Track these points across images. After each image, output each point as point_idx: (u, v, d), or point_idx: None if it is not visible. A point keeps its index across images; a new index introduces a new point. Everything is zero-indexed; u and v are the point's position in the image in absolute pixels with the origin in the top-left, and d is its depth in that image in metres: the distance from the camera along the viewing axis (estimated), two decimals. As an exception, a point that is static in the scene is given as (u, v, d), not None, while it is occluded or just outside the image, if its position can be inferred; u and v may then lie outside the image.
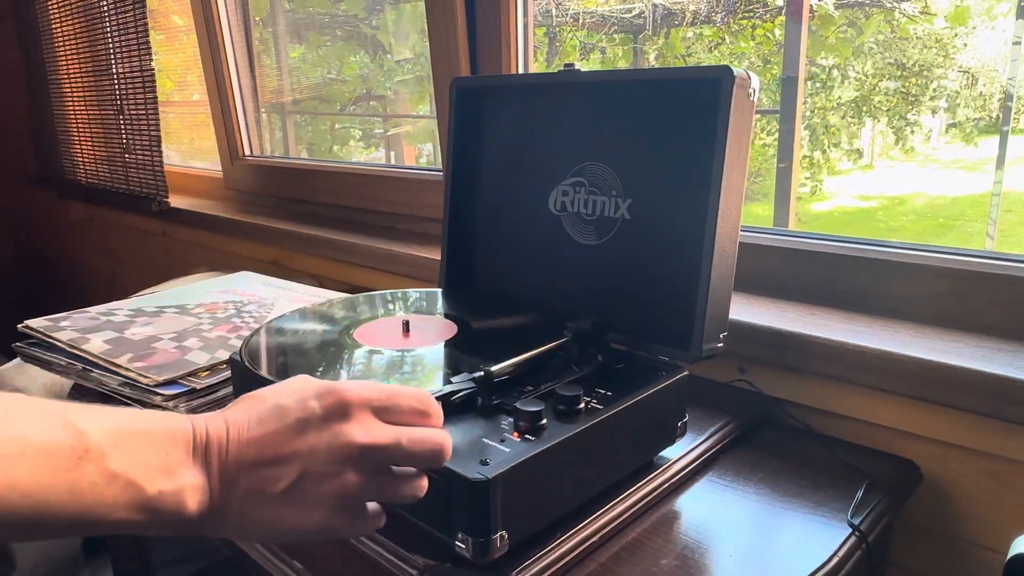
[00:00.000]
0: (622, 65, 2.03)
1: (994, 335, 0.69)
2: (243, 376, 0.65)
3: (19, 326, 0.86)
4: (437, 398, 0.52)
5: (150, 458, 0.38)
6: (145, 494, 0.37)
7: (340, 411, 0.40)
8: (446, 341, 0.67)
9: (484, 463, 0.47)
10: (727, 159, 0.60)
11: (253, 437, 0.40)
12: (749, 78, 0.60)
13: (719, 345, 0.64)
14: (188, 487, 0.38)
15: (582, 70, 0.72)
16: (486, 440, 0.50)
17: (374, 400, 0.42)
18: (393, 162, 2.10)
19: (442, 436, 0.43)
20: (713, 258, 0.61)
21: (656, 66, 1.92)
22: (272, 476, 0.40)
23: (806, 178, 2.61)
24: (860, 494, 0.61)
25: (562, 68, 0.72)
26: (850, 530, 0.57)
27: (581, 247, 0.72)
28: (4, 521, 0.33)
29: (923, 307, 0.74)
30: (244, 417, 0.41)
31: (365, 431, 0.40)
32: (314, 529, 0.41)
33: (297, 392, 0.42)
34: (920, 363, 0.65)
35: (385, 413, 0.42)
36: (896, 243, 0.78)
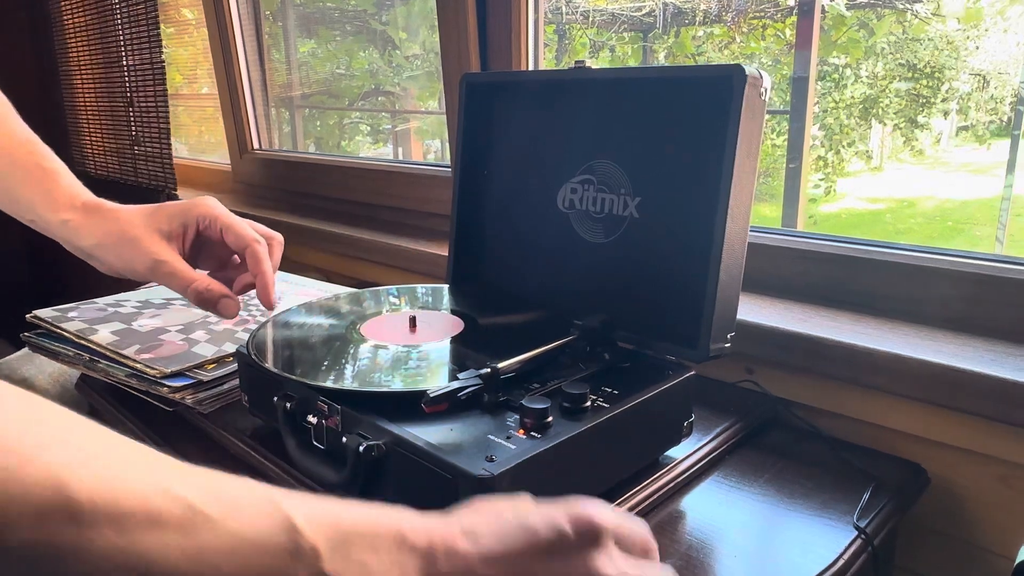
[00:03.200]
0: (631, 64, 2.03)
1: (1005, 339, 0.68)
2: (249, 369, 0.65)
3: (27, 316, 0.87)
4: (443, 395, 0.53)
5: (372, 563, 0.33)
6: None
7: (593, 538, 0.38)
8: (452, 337, 0.67)
9: (489, 460, 0.47)
10: (737, 158, 0.59)
11: (496, 554, 0.36)
12: (761, 77, 0.60)
13: (727, 345, 0.63)
14: None
15: (593, 67, 0.71)
16: (492, 437, 0.50)
17: (618, 530, 0.39)
18: (401, 158, 2.09)
19: None
20: (722, 258, 0.60)
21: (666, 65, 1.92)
22: None
23: (819, 179, 2.60)
24: (866, 497, 0.61)
25: (573, 65, 0.72)
26: (856, 532, 0.56)
27: (589, 245, 0.72)
28: None
29: (933, 310, 0.74)
30: (484, 530, 0.37)
31: (613, 564, 0.38)
32: None
33: (545, 515, 0.38)
34: (929, 366, 0.64)
35: (622, 542, 0.40)
36: (907, 245, 0.77)
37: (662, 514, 0.59)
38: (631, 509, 0.57)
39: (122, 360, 0.76)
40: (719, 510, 0.60)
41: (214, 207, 0.61)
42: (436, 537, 0.35)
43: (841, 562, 0.53)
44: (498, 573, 0.35)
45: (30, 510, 0.26)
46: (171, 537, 0.29)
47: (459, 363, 0.63)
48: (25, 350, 1.20)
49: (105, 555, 0.27)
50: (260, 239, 0.61)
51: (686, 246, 0.64)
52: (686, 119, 0.65)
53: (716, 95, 0.60)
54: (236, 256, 0.67)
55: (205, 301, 0.54)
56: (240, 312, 0.91)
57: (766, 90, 0.61)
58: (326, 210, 1.51)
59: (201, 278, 0.54)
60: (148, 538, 0.28)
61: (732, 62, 0.60)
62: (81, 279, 2.52)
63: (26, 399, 0.29)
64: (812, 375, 0.74)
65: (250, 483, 0.33)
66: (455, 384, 0.53)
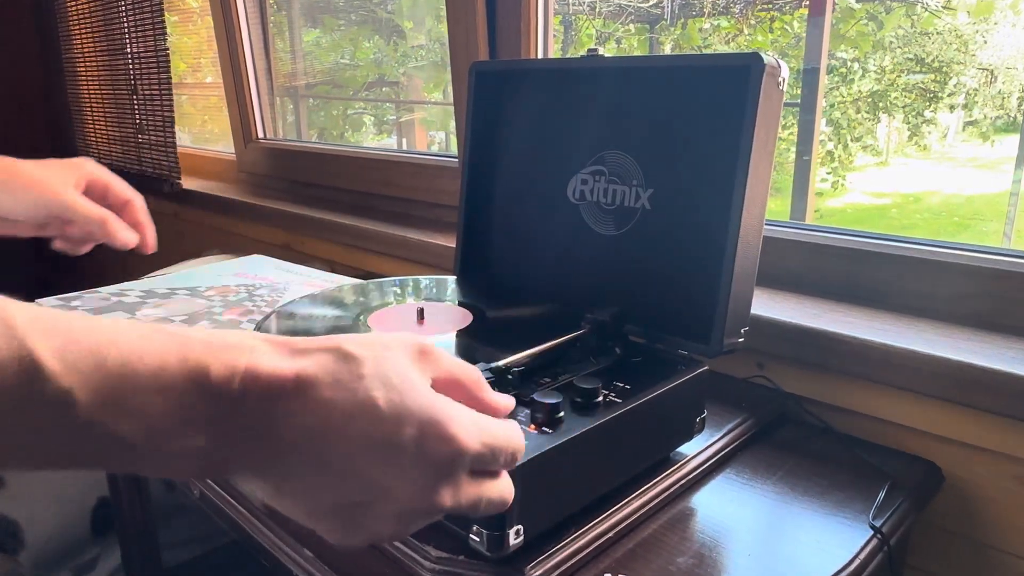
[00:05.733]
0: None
1: None
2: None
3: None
4: None
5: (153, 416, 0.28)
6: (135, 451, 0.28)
7: (447, 465, 0.32)
8: (461, 330, 0.66)
9: (501, 455, 0.46)
10: (754, 149, 0.58)
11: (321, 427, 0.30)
12: (779, 66, 0.59)
13: (740, 340, 0.62)
14: (184, 454, 0.29)
15: (606, 55, 0.70)
16: (503, 431, 0.49)
17: (481, 456, 0.33)
18: (405, 149, 2.08)
19: (510, 495, 0.36)
20: (737, 251, 0.59)
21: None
22: (325, 484, 0.31)
23: (827, 173, 2.58)
24: (882, 495, 0.60)
25: (585, 53, 0.71)
26: (871, 532, 0.55)
27: (600, 237, 0.71)
28: None
29: (950, 305, 0.73)
30: (324, 380, 0.30)
31: (453, 496, 0.32)
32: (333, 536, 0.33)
33: (398, 404, 0.31)
34: (946, 363, 0.63)
35: (481, 464, 0.34)
36: (923, 240, 0.76)
37: (673, 511, 0.58)
38: (642, 507, 0.56)
39: (126, 350, 0.75)
40: (731, 508, 0.59)
41: (98, 165, 0.70)
42: (242, 371, 0.29)
43: (857, 562, 0.52)
44: (318, 452, 0.30)
45: None
46: None
47: (468, 356, 0.62)
48: (28, 339, 1.18)
49: None
50: (139, 195, 0.70)
51: (700, 239, 0.63)
52: (701, 109, 0.63)
53: (733, 84, 0.59)
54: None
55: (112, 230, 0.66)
56: (246, 303, 0.90)
57: (783, 79, 0.60)
58: (331, 200, 1.50)
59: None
60: None
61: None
62: (85, 270, 2.51)
63: None
64: (824, 371, 0.73)
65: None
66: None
